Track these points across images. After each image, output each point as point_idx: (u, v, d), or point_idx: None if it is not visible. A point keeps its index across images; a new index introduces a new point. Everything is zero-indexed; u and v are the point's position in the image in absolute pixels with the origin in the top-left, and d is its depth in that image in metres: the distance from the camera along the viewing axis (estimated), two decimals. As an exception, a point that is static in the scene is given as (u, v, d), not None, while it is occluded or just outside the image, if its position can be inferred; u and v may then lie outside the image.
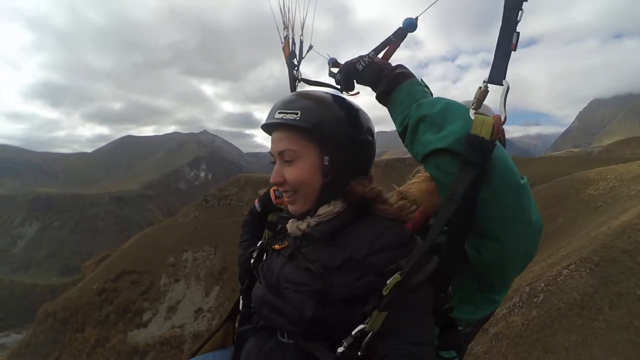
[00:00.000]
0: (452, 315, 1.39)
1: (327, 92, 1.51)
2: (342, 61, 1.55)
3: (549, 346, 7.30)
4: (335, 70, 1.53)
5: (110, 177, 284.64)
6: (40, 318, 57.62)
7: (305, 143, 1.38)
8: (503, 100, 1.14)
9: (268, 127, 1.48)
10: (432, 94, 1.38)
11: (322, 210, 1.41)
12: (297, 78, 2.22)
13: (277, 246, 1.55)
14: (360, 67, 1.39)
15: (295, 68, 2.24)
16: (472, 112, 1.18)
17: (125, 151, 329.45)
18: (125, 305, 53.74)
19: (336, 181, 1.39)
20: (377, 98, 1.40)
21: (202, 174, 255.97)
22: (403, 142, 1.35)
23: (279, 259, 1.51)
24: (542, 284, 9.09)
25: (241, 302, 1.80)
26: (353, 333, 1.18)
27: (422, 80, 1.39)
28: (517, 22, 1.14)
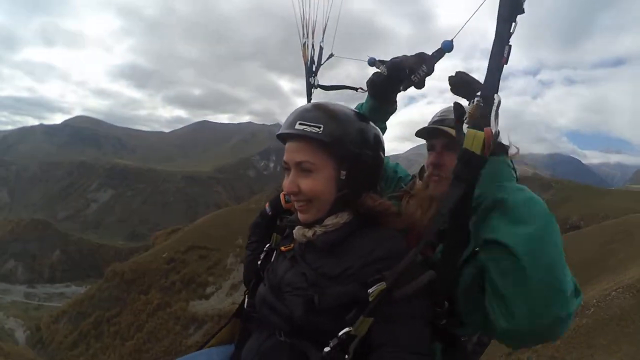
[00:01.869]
0: (453, 329, 1.42)
1: (347, 108, 1.51)
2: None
3: (591, 344, 10.14)
4: (382, 66, 1.58)
5: (184, 157, 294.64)
6: (108, 275, 62.27)
7: (323, 156, 1.39)
8: (494, 114, 1.12)
9: (284, 136, 1.46)
10: (517, 179, 1.34)
11: (329, 221, 1.44)
12: (313, 85, 2.27)
13: (283, 248, 1.60)
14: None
15: (313, 75, 2.27)
16: (465, 126, 1.15)
17: (201, 135, 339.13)
18: (190, 276, 56.82)
19: (349, 195, 1.42)
20: None
21: (272, 165, 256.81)
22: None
23: (284, 262, 1.56)
24: (594, 301, 11.94)
25: (246, 300, 1.82)
26: (339, 334, 1.22)
27: (511, 161, 1.36)
28: (510, 35, 1.12)
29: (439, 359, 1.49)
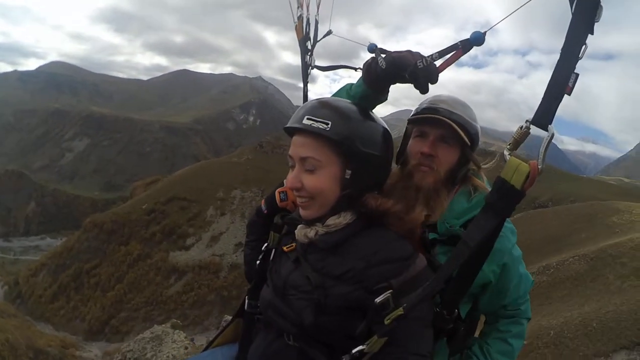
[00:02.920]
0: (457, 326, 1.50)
1: (356, 105, 1.44)
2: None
3: (549, 296, 12.27)
4: (383, 56, 1.41)
5: (162, 106, 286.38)
6: (86, 226, 61.24)
7: (329, 154, 1.35)
8: (544, 148, 1.01)
9: (291, 130, 1.42)
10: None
11: (331, 221, 1.41)
12: (309, 65, 2.11)
13: (285, 248, 1.57)
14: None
15: (309, 53, 2.10)
16: (506, 152, 1.08)
17: (180, 84, 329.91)
18: (171, 227, 56.71)
19: (353, 194, 1.38)
20: None
21: (251, 119, 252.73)
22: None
23: (287, 263, 1.53)
24: (554, 264, 14.12)
25: (246, 301, 1.79)
26: (353, 352, 1.23)
27: None
28: (577, 60, 0.97)
29: (444, 348, 1.60)
